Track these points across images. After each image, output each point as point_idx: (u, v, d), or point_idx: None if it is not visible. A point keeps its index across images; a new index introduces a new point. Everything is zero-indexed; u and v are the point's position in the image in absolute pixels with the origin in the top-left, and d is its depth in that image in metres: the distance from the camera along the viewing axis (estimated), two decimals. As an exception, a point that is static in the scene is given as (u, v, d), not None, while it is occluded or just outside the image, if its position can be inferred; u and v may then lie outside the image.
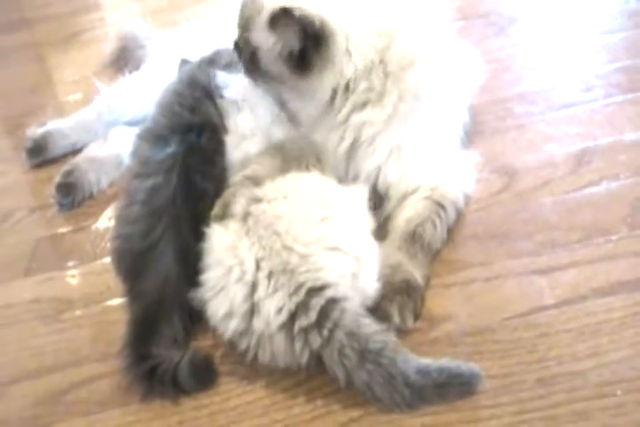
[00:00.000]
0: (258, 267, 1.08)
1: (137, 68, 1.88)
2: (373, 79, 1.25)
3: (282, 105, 1.38)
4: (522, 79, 1.66)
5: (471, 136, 1.45)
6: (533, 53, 1.74)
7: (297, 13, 1.18)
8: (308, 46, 1.21)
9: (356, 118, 1.29)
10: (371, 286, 1.13)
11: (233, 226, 1.15)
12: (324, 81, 1.25)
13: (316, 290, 1.05)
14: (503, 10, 1.94)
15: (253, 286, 1.08)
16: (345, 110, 1.29)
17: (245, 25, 1.29)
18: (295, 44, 1.22)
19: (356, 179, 1.34)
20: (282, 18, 1.21)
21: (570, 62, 1.67)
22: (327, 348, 1.03)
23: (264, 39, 1.26)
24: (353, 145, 1.32)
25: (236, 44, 1.34)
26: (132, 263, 1.24)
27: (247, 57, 1.31)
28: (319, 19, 1.19)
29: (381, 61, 1.24)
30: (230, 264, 1.11)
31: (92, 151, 1.66)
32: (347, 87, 1.26)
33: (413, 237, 1.25)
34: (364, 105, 1.28)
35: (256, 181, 1.20)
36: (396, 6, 1.30)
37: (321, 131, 1.33)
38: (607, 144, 1.42)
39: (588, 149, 1.42)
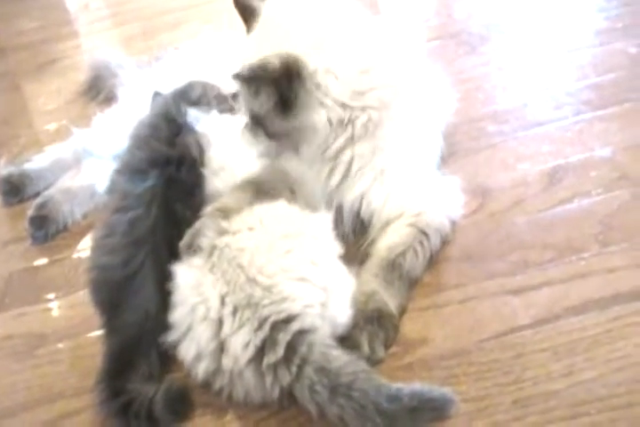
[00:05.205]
0: (222, 303, 1.07)
1: (109, 96, 1.89)
2: (370, 113, 1.25)
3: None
4: (494, 98, 1.68)
5: (445, 157, 1.46)
6: (504, 72, 1.76)
7: (247, 72, 1.20)
8: (283, 87, 1.22)
9: (349, 152, 1.29)
10: (342, 315, 1.12)
11: (197, 262, 1.14)
12: (316, 116, 1.25)
13: (280, 323, 1.03)
14: (474, 29, 1.96)
15: (219, 324, 1.07)
16: (337, 144, 1.29)
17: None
18: (271, 91, 1.22)
19: (339, 208, 1.33)
20: (246, 81, 1.24)
21: (540, 80, 1.69)
22: (297, 384, 1.02)
23: (255, 105, 1.28)
24: (343, 177, 1.31)
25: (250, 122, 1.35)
26: (111, 294, 1.22)
27: (264, 127, 1.32)
28: (275, 60, 1.19)
29: (367, 92, 1.25)
30: (194, 302, 1.10)
31: (65, 182, 1.65)
32: (340, 121, 1.26)
33: (392, 266, 1.23)
34: (359, 138, 1.28)
35: (225, 214, 1.19)
36: (371, 38, 1.32)
37: (307, 164, 1.33)
38: (578, 161, 1.43)
39: (560, 166, 1.43)
